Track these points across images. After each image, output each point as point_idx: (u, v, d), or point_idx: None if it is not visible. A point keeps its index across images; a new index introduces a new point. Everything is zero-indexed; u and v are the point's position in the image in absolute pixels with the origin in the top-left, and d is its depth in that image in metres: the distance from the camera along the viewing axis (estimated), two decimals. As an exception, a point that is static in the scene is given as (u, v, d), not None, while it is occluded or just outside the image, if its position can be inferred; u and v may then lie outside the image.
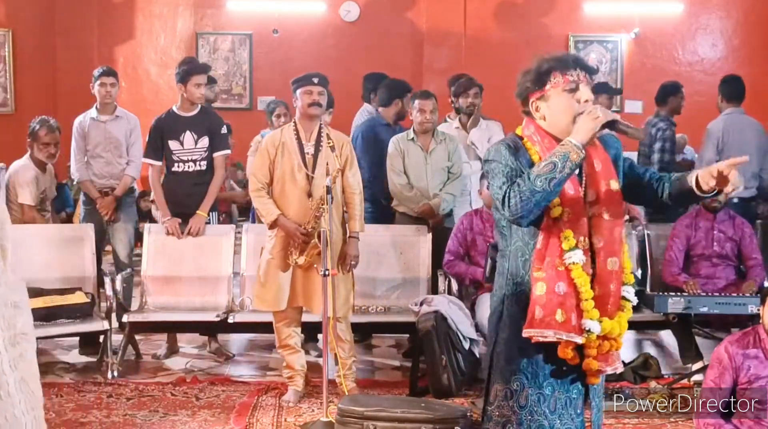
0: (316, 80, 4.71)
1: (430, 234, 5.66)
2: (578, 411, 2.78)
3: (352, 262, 4.83)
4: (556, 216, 2.66)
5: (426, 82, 8.50)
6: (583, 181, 2.73)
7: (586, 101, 2.68)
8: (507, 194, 2.60)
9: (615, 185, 2.73)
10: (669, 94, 7.14)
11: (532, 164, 2.68)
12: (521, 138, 2.78)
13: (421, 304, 5.09)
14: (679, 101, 7.12)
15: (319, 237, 4.52)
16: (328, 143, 4.70)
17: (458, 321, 4.97)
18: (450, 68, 8.63)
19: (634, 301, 2.81)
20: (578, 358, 2.71)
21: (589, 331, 2.64)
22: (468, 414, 4.23)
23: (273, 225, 4.71)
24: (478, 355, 5.12)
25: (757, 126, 6.52)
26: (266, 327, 5.35)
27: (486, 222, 5.35)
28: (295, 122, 4.79)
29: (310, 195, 4.65)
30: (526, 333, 2.66)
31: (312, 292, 4.69)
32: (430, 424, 4.06)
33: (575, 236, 2.66)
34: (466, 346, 4.98)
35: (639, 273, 5.75)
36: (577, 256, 2.64)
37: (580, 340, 2.64)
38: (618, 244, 2.73)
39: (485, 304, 5.14)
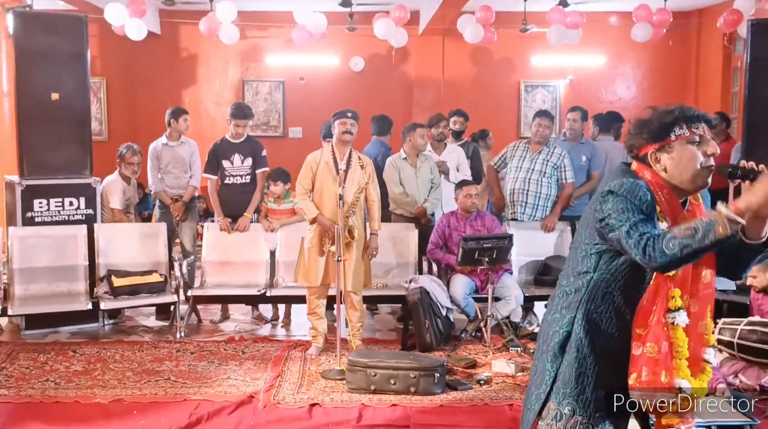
0: (349, 114, 4.69)
1: (417, 230, 5.66)
2: None
3: (374, 253, 4.83)
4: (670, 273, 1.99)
5: (414, 116, 8.49)
6: None
7: (712, 154, 1.99)
8: (646, 244, 1.88)
9: None
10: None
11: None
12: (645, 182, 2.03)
13: (410, 282, 5.10)
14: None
15: (349, 232, 4.54)
16: (359, 163, 4.69)
17: (438, 294, 4.98)
18: (433, 105, 8.64)
19: (715, 363, 2.17)
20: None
21: (680, 389, 2.03)
22: (444, 364, 4.25)
23: (313, 221, 4.69)
24: (452, 319, 5.13)
25: (623, 150, 5.86)
26: (294, 299, 5.36)
27: (460, 220, 5.35)
28: (332, 145, 4.75)
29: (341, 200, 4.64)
30: (632, 395, 2.03)
31: (340, 273, 4.68)
32: (417, 371, 4.09)
33: (682, 295, 2.02)
34: (444, 313, 4.99)
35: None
36: (682, 318, 2.02)
37: (677, 399, 2.03)
38: (710, 308, 2.09)
39: (457, 283, 5.17)
